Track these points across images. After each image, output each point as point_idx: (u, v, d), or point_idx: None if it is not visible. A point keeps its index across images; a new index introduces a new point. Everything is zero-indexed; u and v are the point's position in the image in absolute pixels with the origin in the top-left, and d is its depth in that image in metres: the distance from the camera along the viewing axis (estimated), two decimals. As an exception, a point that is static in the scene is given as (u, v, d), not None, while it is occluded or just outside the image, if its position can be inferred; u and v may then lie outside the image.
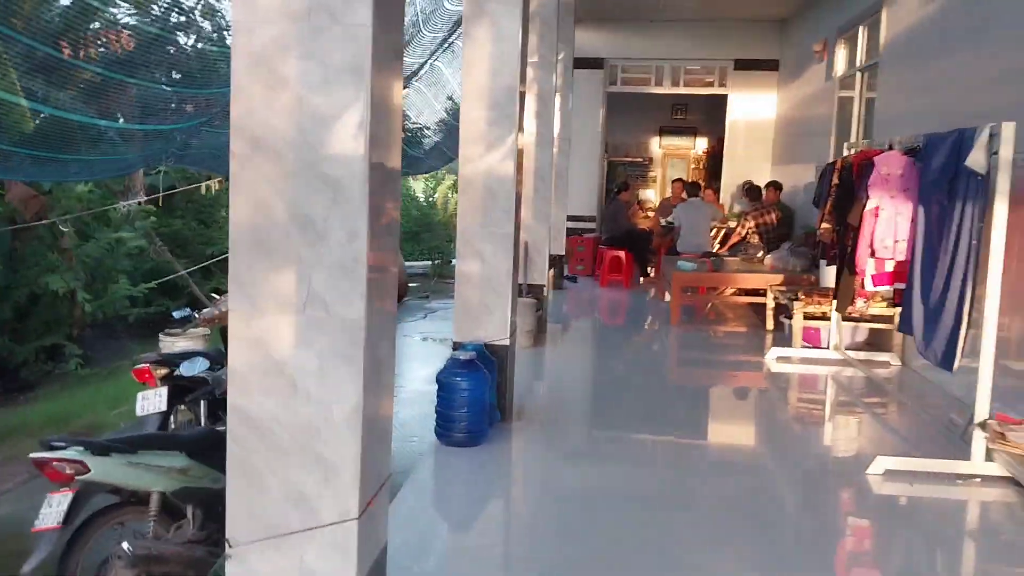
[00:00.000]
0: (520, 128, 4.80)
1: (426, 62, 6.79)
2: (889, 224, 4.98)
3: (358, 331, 2.04)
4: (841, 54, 9.27)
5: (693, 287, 9.00)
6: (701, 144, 17.18)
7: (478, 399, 4.36)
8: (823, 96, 9.87)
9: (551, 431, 4.91)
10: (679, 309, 8.28)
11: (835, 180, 5.89)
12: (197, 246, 11.68)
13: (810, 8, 10.92)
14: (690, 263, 8.48)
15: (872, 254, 5.06)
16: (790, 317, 6.98)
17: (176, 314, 5.88)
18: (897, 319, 6.40)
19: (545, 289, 7.66)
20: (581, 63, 12.43)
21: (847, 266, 5.47)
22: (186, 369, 4.59)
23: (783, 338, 7.44)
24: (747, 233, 10.00)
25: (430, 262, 15.85)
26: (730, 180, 12.89)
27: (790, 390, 6.45)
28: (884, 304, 6.16)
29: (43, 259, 8.93)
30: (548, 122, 7.86)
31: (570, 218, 11.84)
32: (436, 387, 4.44)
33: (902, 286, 5.22)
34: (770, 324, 7.93)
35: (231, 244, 2.06)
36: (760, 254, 9.03)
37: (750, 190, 10.44)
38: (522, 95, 4.79)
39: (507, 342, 4.76)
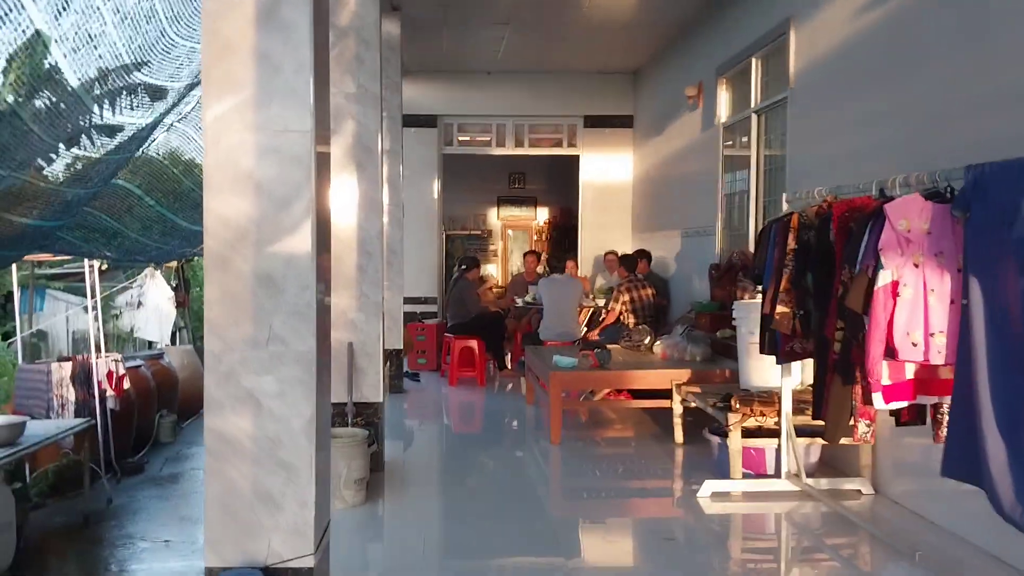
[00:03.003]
0: (320, 187, 2.70)
1: (191, 88, 4.59)
2: (915, 308, 3.20)
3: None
4: (724, 97, 7.82)
5: (574, 389, 7.02)
6: (542, 214, 15.74)
7: None
8: (701, 148, 8.39)
9: None
10: (560, 421, 6.26)
11: (791, 244, 4.13)
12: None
13: (669, 55, 9.58)
14: (568, 358, 6.52)
15: (891, 354, 3.25)
16: (719, 433, 5.14)
17: None
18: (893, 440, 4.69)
19: (380, 408, 5.44)
20: (412, 120, 10.52)
21: (839, 372, 3.64)
22: None
23: (701, 455, 5.61)
24: (621, 312, 8.26)
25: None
26: (588, 251, 11.25)
27: (733, 539, 4.55)
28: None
29: None
30: (374, 181, 5.75)
31: (407, 300, 9.73)
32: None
33: (929, 401, 3.45)
34: (680, 436, 6.08)
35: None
36: (648, 340, 7.25)
37: (625, 260, 8.73)
38: (324, 136, 2.72)
39: (311, 560, 2.53)
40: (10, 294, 8.82)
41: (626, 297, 8.20)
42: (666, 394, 6.20)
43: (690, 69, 8.73)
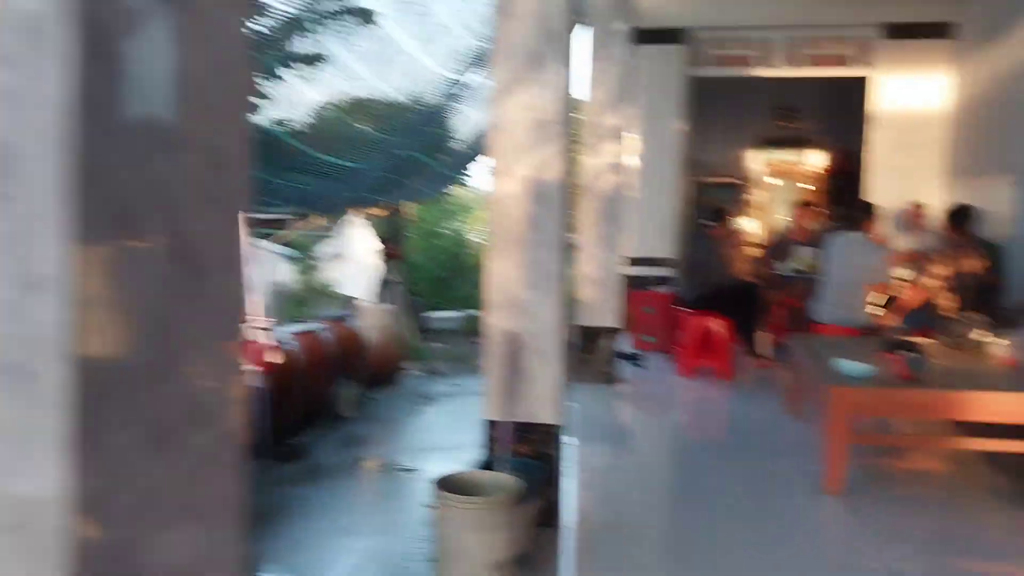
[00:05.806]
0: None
1: None
2: None
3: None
4: None
5: (867, 412, 4.65)
6: (816, 159, 12.93)
7: None
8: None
9: None
10: (844, 460, 4.07)
11: None
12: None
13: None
14: (859, 364, 4.26)
15: None
16: None
17: None
18: None
19: (555, 436, 3.57)
20: (648, 36, 8.43)
21: None
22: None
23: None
24: (936, 291, 5.76)
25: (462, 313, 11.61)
26: (882, 203, 8.54)
27: None
28: None
29: None
30: (558, 87, 3.76)
31: (636, 262, 7.78)
32: None
33: None
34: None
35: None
36: (987, 338, 4.77)
37: (956, 215, 6.10)
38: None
39: None
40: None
41: (945, 270, 5.67)
42: (1017, 429, 3.80)
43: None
